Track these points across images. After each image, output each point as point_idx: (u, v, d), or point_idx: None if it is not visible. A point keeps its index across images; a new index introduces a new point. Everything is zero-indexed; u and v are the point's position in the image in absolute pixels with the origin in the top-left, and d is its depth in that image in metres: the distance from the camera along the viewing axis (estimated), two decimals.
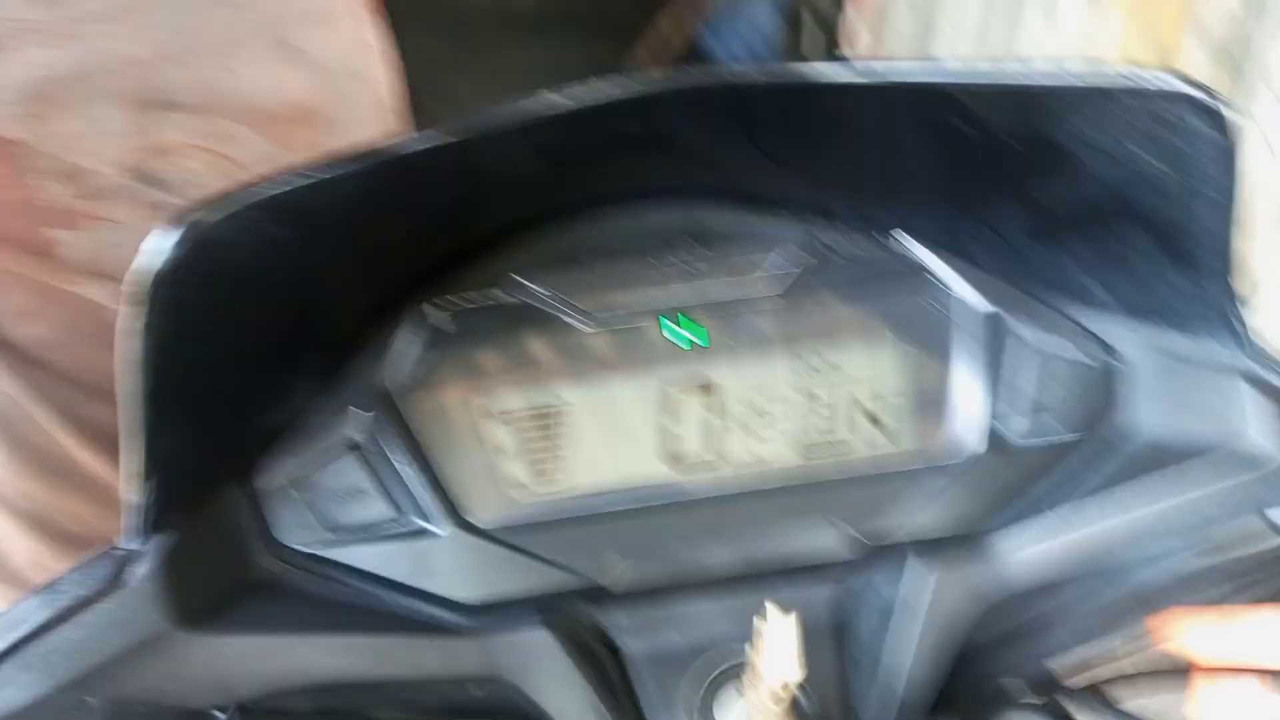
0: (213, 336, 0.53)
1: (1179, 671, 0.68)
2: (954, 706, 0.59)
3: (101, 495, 0.88)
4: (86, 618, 0.51)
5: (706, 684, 0.59)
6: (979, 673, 0.62)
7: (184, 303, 0.47)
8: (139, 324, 0.47)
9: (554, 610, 0.59)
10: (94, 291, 0.84)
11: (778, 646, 0.49)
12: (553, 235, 0.65)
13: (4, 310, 0.83)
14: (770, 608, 0.49)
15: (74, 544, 0.88)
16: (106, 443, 0.88)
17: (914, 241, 0.63)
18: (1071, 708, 0.65)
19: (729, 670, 0.59)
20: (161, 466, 0.51)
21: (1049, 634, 0.61)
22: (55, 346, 0.86)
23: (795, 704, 0.55)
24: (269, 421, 0.60)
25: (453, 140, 0.50)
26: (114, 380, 0.83)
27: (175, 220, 0.47)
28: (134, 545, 0.52)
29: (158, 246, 0.46)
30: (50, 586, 0.51)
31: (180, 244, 0.46)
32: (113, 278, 0.85)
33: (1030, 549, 0.59)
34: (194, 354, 0.51)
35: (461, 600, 0.58)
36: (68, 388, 0.86)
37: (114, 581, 0.51)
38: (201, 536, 0.55)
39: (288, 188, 0.48)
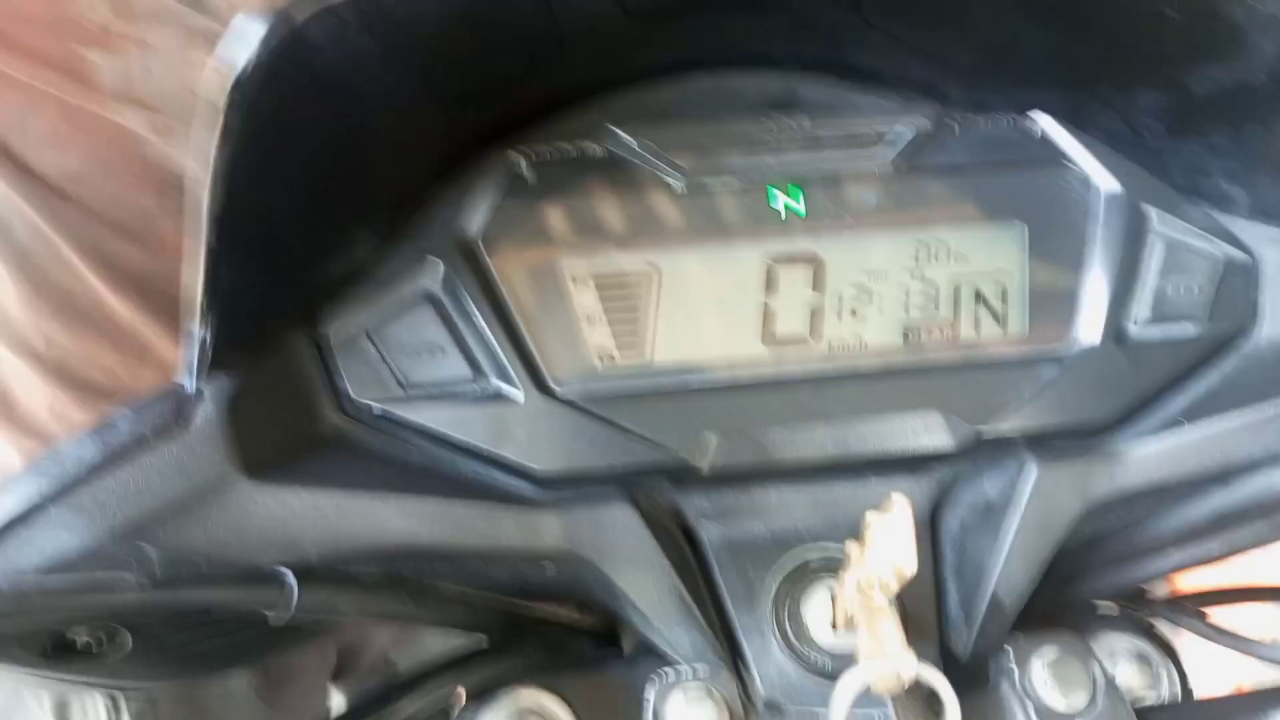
0: (290, 160, 0.47)
1: (1267, 588, 0.66)
2: (1034, 608, 0.56)
3: (129, 344, 0.83)
4: (145, 459, 0.46)
5: (793, 577, 0.56)
6: (1064, 573, 0.59)
7: (266, 109, 0.42)
8: (218, 126, 0.41)
9: (634, 487, 0.55)
10: (129, 119, 0.78)
11: (894, 535, 0.45)
12: (645, 95, 0.60)
13: (31, 135, 0.77)
14: (895, 495, 0.45)
15: (99, 395, 0.83)
16: (138, 288, 0.82)
17: (1051, 121, 0.58)
18: (1157, 617, 0.62)
19: (815, 564, 0.56)
20: (225, 299, 0.46)
21: (1146, 537, 0.57)
22: (84, 179, 0.79)
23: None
24: (340, 267, 0.55)
25: None
26: (146, 220, 0.78)
27: (263, 12, 0.41)
28: (193, 383, 0.47)
29: (243, 37, 0.40)
30: (105, 424, 0.47)
31: (268, 37, 0.40)
32: (149, 107, 0.78)
33: (1146, 448, 0.55)
34: (269, 177, 0.46)
35: (539, 470, 0.54)
36: (97, 225, 0.80)
37: (175, 421, 0.47)
38: (266, 383, 0.51)
39: None
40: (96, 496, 0.45)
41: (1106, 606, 0.62)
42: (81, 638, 0.48)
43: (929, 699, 0.48)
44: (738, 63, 0.61)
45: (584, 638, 0.62)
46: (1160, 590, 0.65)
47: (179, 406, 0.47)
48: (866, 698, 0.48)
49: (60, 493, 0.45)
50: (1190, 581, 0.68)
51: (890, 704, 0.47)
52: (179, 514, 0.46)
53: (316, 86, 0.45)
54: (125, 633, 0.48)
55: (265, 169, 0.45)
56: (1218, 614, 0.63)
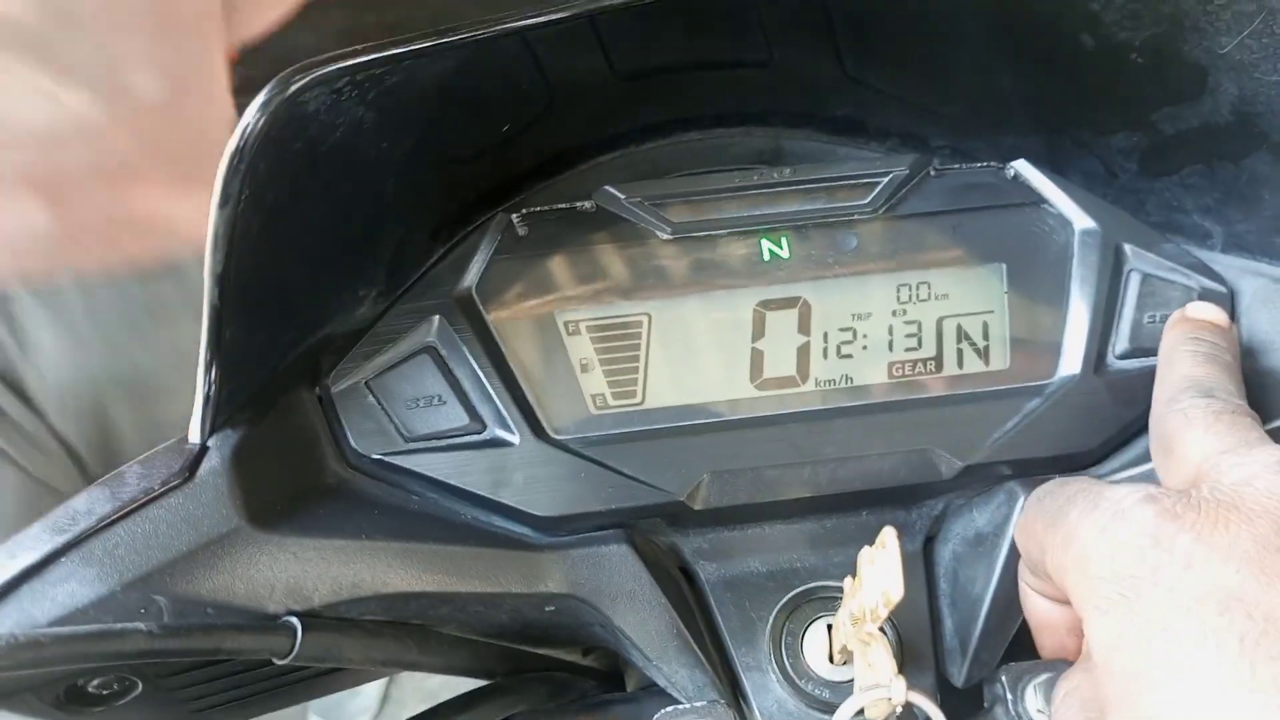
0: (291, 223, 0.50)
1: None
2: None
3: None
4: (154, 511, 0.48)
5: (788, 611, 0.57)
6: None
7: (264, 174, 0.44)
8: (217, 190, 0.43)
9: (632, 528, 0.56)
10: None
11: (883, 564, 0.46)
12: (636, 153, 0.62)
13: None
14: (886, 529, 0.46)
15: None
16: None
17: (1026, 164, 0.60)
18: None
19: (812, 599, 0.57)
20: (231, 357, 0.48)
21: None
22: None
23: (882, 630, 0.53)
24: (343, 325, 0.57)
25: (526, 22, 0.47)
26: None
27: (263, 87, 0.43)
28: (200, 437, 0.49)
29: (249, 110, 0.43)
30: (115, 477, 0.48)
31: (264, 105, 0.42)
32: None
33: (1128, 472, 0.56)
34: (271, 239, 0.48)
35: (537, 514, 0.56)
36: None
37: (183, 475, 0.49)
38: (272, 436, 0.52)
39: (368, 57, 0.45)
40: (107, 547, 0.47)
41: None
42: (93, 687, 0.49)
43: None
44: (725, 120, 0.64)
45: (588, 679, 0.63)
46: None
47: (186, 460, 0.49)
48: None
49: (72, 544, 0.46)
50: None
51: None
52: (187, 563, 0.48)
53: (312, 152, 0.47)
54: (137, 681, 0.50)
55: (266, 231, 0.48)
56: None
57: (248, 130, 0.42)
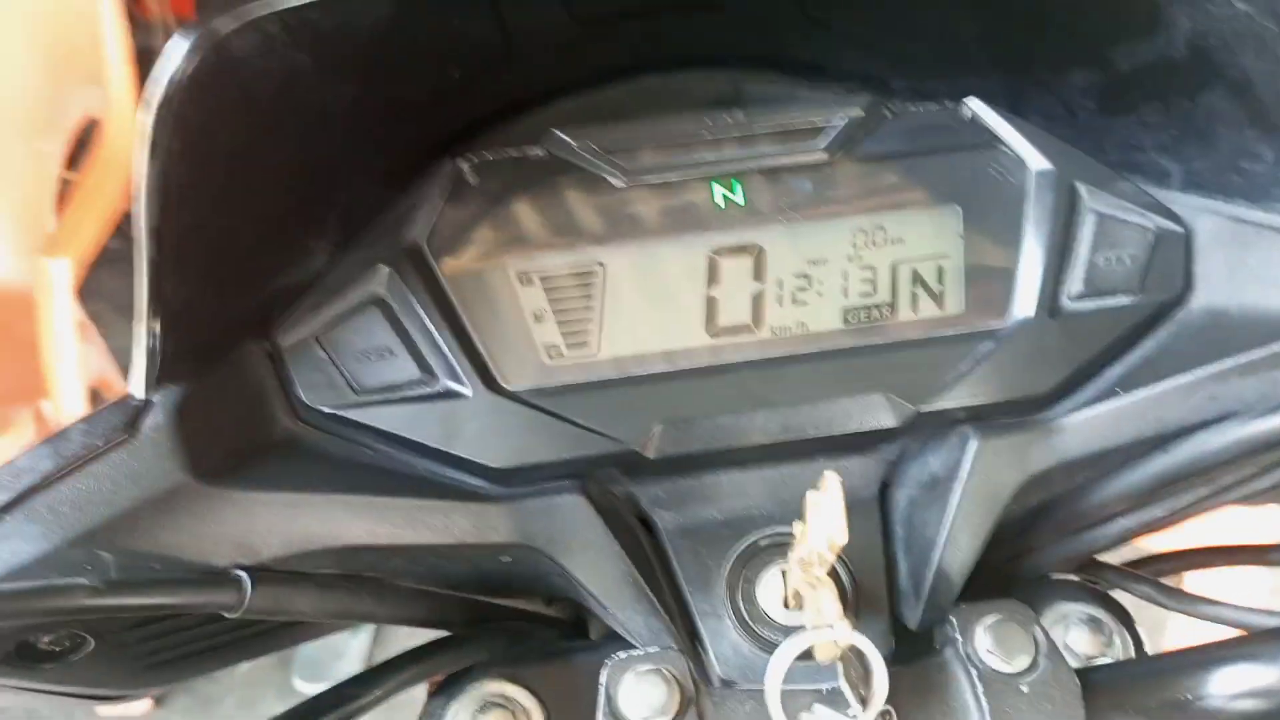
0: (229, 175, 0.49)
1: (1215, 548, 0.67)
2: (989, 580, 0.57)
3: None
4: (97, 468, 0.47)
5: (745, 559, 0.57)
6: (1016, 546, 0.60)
7: (195, 124, 0.43)
8: (148, 141, 0.42)
9: (587, 478, 0.56)
10: None
11: (825, 509, 0.46)
12: (590, 99, 0.61)
13: None
14: (827, 473, 0.46)
15: None
16: None
17: (983, 105, 0.60)
18: (1105, 581, 0.63)
19: (767, 546, 0.57)
20: (172, 311, 0.48)
21: (1091, 505, 0.58)
22: None
23: (834, 574, 0.53)
24: (289, 278, 0.56)
25: None
26: None
27: (190, 29, 0.42)
28: (143, 392, 0.49)
29: (171, 54, 0.41)
30: (58, 435, 0.48)
31: (193, 50, 0.41)
32: None
33: (1083, 414, 0.56)
34: (212, 191, 0.48)
35: (491, 465, 0.56)
36: None
37: (126, 430, 0.48)
38: (218, 391, 0.52)
39: (297, 1, 0.44)
40: (51, 504, 0.46)
41: (1062, 576, 0.63)
42: (44, 644, 0.49)
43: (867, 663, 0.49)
44: (684, 63, 0.62)
45: (552, 629, 0.63)
46: (1112, 555, 0.66)
47: (129, 416, 0.48)
48: (815, 671, 0.49)
49: (14, 502, 0.46)
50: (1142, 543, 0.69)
51: (839, 670, 0.48)
52: (132, 519, 0.47)
53: (248, 101, 0.46)
54: (88, 638, 0.50)
55: (207, 184, 0.47)
56: (1169, 578, 0.64)
57: (175, 78, 0.42)
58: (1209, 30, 0.49)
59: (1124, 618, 0.58)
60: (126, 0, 1.79)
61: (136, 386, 0.49)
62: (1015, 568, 0.61)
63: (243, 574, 0.48)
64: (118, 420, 0.48)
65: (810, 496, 0.47)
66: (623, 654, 0.52)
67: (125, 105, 1.71)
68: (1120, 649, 0.58)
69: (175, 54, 0.41)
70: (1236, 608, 0.56)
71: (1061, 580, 0.61)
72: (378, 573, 0.54)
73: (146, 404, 0.49)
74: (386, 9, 0.48)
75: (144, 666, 0.55)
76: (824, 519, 0.46)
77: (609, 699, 0.51)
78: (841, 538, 0.45)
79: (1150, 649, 0.58)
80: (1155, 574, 0.63)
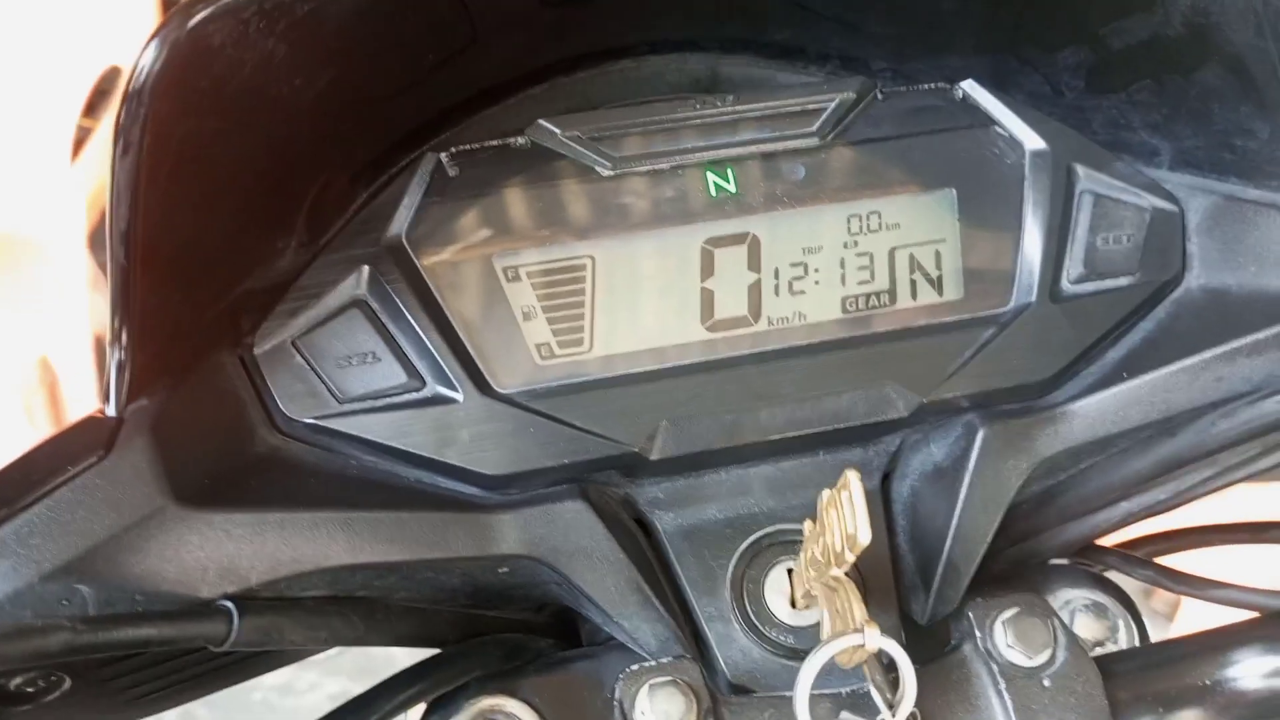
0: (201, 171, 0.45)
1: (1210, 527, 0.67)
2: (990, 570, 0.56)
3: None
4: (69, 494, 0.44)
5: (748, 559, 0.55)
6: (1017, 533, 0.60)
7: (168, 117, 0.40)
8: (118, 139, 0.39)
9: (586, 482, 0.54)
10: None
11: (847, 508, 0.45)
12: (569, 85, 0.59)
13: None
14: (848, 471, 0.45)
15: None
16: None
17: (976, 85, 0.58)
18: (1105, 565, 0.63)
19: (772, 544, 0.56)
20: (141, 320, 0.44)
21: (1095, 490, 0.58)
22: None
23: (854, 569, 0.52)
24: (262, 280, 0.53)
25: None
26: None
27: (162, 18, 0.39)
28: (113, 409, 0.45)
29: (145, 46, 0.38)
30: (24, 459, 0.44)
31: (162, 40, 0.38)
32: None
33: (1089, 402, 0.55)
34: (179, 189, 0.44)
35: (486, 472, 0.53)
36: None
37: (98, 451, 0.44)
38: (193, 405, 0.49)
39: None
40: (20, 536, 0.43)
41: (1060, 562, 0.63)
42: (15, 685, 0.45)
43: (890, 665, 0.48)
44: (659, 47, 0.60)
45: (544, 638, 0.61)
46: (1114, 538, 0.66)
47: (101, 435, 0.45)
48: (834, 674, 0.48)
49: None
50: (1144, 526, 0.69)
51: (867, 674, 0.47)
52: (110, 549, 0.44)
53: (221, 92, 0.43)
54: (64, 677, 0.46)
55: (174, 181, 0.43)
56: (1168, 559, 0.64)
57: (145, 69, 0.38)
58: (1209, 6, 0.48)
59: (1127, 602, 0.58)
60: None
61: (107, 402, 0.45)
62: (1016, 555, 0.60)
63: (229, 604, 0.45)
64: (88, 440, 0.45)
65: (827, 495, 0.45)
66: (634, 666, 0.50)
67: None
68: (1125, 634, 0.57)
69: (144, 46, 0.38)
70: (1245, 589, 0.56)
71: (1063, 566, 0.60)
72: (370, 591, 0.51)
73: (118, 421, 0.45)
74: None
75: (124, 702, 0.52)
76: (844, 517, 0.44)
77: (624, 715, 0.49)
78: (865, 537, 0.44)
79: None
80: (1150, 555, 0.63)
